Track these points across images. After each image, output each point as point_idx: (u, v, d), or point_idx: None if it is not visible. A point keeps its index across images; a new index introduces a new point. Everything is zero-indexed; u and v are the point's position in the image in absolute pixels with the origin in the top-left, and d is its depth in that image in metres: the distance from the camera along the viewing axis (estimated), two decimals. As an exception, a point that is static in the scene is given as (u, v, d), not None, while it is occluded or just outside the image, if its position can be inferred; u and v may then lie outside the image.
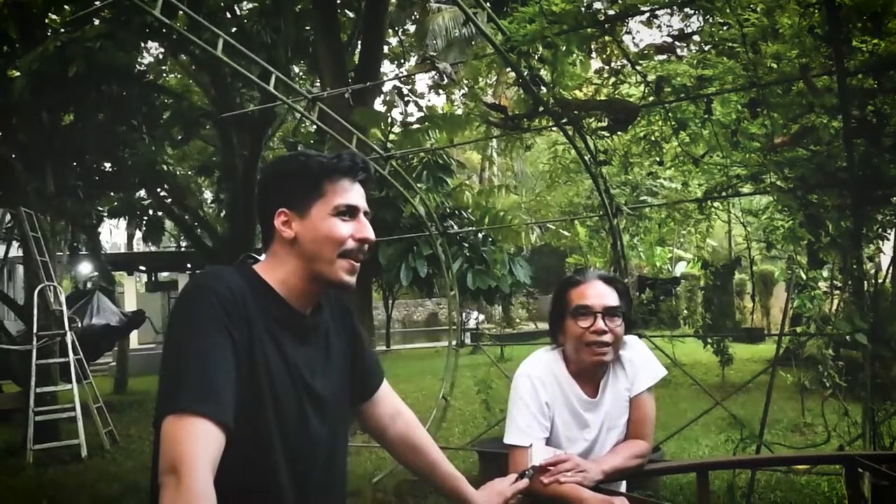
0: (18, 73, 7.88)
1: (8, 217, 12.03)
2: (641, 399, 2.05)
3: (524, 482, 1.78)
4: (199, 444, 1.13)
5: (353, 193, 1.42)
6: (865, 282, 4.65)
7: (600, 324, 1.96)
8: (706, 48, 4.55)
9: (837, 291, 5.23)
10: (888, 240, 6.15)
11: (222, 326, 1.25)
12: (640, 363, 2.07)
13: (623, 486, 2.08)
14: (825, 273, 5.91)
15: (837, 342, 4.89)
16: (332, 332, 1.50)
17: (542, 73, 4.15)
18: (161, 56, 12.20)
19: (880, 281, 5.14)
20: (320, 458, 1.42)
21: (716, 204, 6.90)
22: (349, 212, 1.40)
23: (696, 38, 4.75)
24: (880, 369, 4.49)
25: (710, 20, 4.46)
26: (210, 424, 1.15)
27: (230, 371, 1.23)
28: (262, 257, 1.47)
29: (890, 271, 5.87)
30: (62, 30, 8.08)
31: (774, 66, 4.40)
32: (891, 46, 4.17)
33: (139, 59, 10.86)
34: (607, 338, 1.97)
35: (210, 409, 1.16)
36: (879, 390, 4.33)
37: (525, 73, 3.95)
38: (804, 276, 5.74)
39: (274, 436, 1.32)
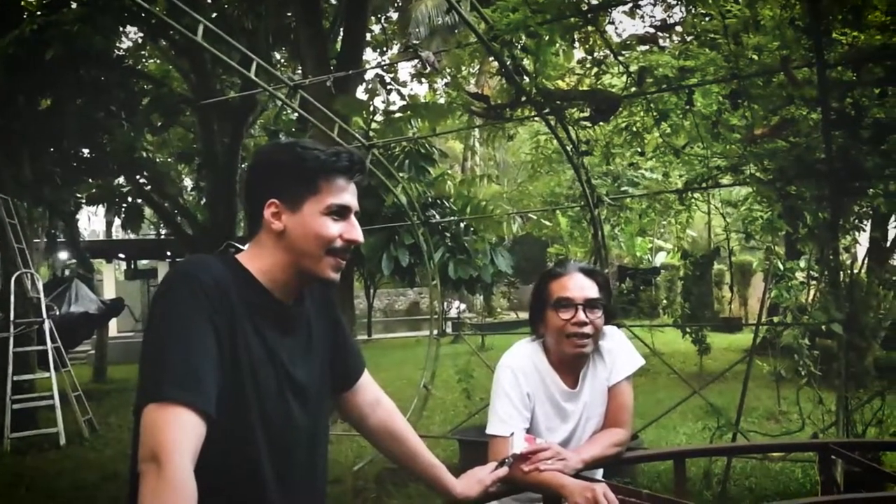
0: (-8, 58, 7.73)
1: None
2: (620, 388, 2.07)
3: (504, 470, 1.80)
4: (180, 432, 1.12)
5: (347, 194, 1.41)
6: (841, 272, 4.72)
7: (581, 315, 1.97)
8: (688, 39, 4.57)
9: (814, 282, 5.31)
10: (864, 231, 6.25)
11: (205, 315, 1.24)
12: (619, 353, 2.09)
13: (599, 474, 2.10)
14: (802, 264, 6.00)
15: (813, 332, 4.97)
16: (313, 321, 1.49)
17: (525, 62, 4.15)
18: (140, 41, 11.99)
19: (856, 272, 5.21)
20: (301, 447, 1.42)
21: (696, 195, 6.96)
22: (340, 211, 1.39)
23: (679, 28, 4.77)
24: (854, 358, 4.56)
25: (693, 11, 4.48)
26: (192, 413, 1.14)
27: (212, 360, 1.22)
28: (246, 247, 1.45)
29: (865, 262, 5.97)
30: (38, 12, 7.91)
31: (755, 57, 4.43)
32: (870, 39, 4.22)
33: (118, 44, 10.66)
34: (588, 329, 1.98)
35: (192, 397, 1.15)
36: (853, 379, 4.41)
37: (508, 63, 3.94)
38: (782, 267, 5.82)
39: (255, 424, 1.32)
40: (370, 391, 1.68)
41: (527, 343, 2.13)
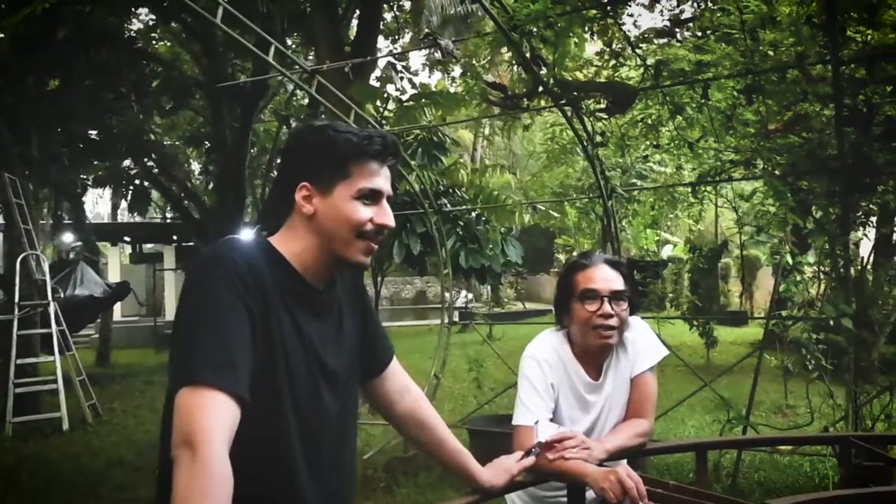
0: (3, 35, 7.64)
1: None
2: (643, 378, 2.09)
3: (530, 459, 1.80)
4: (215, 417, 1.11)
5: (380, 178, 1.39)
6: (851, 267, 4.74)
7: (607, 307, 1.99)
8: (705, 33, 4.58)
9: (823, 276, 5.33)
10: (872, 227, 6.27)
11: (239, 297, 1.23)
12: (642, 344, 2.11)
13: (623, 465, 2.14)
14: (811, 258, 6.02)
15: (821, 326, 5.00)
16: (344, 307, 1.49)
17: (543, 52, 4.16)
18: (152, 23, 11.95)
19: (865, 266, 5.23)
20: (331, 432, 1.42)
21: (707, 188, 6.96)
22: (372, 195, 1.38)
23: (696, 23, 4.77)
24: (863, 353, 4.60)
25: (711, 5, 4.49)
26: (226, 397, 1.13)
27: (246, 343, 1.21)
28: (252, 231, 1.46)
29: (873, 257, 5.98)
30: (50, -9, 7.86)
31: (771, 53, 4.45)
32: (884, 38, 4.23)
33: (129, 26, 10.62)
34: (613, 321, 2.00)
35: (226, 381, 1.14)
36: (862, 373, 4.44)
37: (526, 53, 3.96)
38: (791, 261, 5.84)
39: (287, 408, 1.31)
40: (399, 378, 1.67)
41: (551, 333, 2.15)
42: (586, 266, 2.08)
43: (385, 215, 1.39)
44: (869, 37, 4.26)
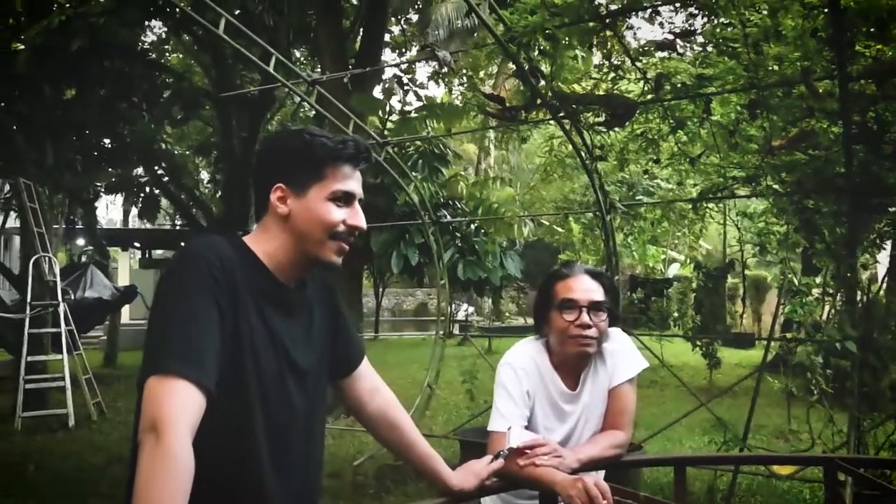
0: (23, 47, 7.86)
1: (7, 187, 12.00)
2: (621, 390, 2.04)
3: (499, 462, 1.79)
4: (179, 405, 1.14)
5: (352, 181, 1.45)
6: (858, 290, 4.63)
7: (585, 318, 1.97)
8: (708, 47, 4.52)
9: (829, 298, 5.22)
10: (884, 249, 6.14)
11: (209, 293, 1.27)
12: (621, 355, 2.07)
13: (601, 477, 2.07)
14: (818, 280, 5.90)
15: (827, 350, 4.88)
16: (315, 307, 1.52)
17: (542, 65, 4.12)
18: (164, 35, 12.16)
19: (874, 290, 5.11)
20: (298, 429, 1.44)
21: (710, 205, 6.88)
22: (345, 198, 1.43)
23: (699, 37, 4.72)
24: (869, 379, 4.47)
25: (713, 19, 4.43)
26: (192, 387, 1.17)
27: (215, 337, 1.25)
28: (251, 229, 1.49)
29: (886, 282, 5.85)
30: (67, 4, 8.03)
31: (776, 67, 4.37)
32: (895, 53, 4.14)
33: (142, 38, 10.82)
34: (591, 332, 1.97)
35: (193, 372, 1.18)
36: (867, 400, 4.32)
37: (525, 65, 3.91)
38: (797, 282, 5.73)
39: (254, 405, 1.34)
40: (369, 379, 1.70)
41: (530, 342, 2.13)
42: (566, 276, 2.07)
43: (357, 217, 1.45)
44: (879, 52, 4.17)
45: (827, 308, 5.29)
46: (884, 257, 6.25)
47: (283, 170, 1.43)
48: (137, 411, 1.20)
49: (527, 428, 1.99)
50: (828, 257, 5.13)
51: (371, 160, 1.51)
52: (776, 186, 5.04)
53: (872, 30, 4.07)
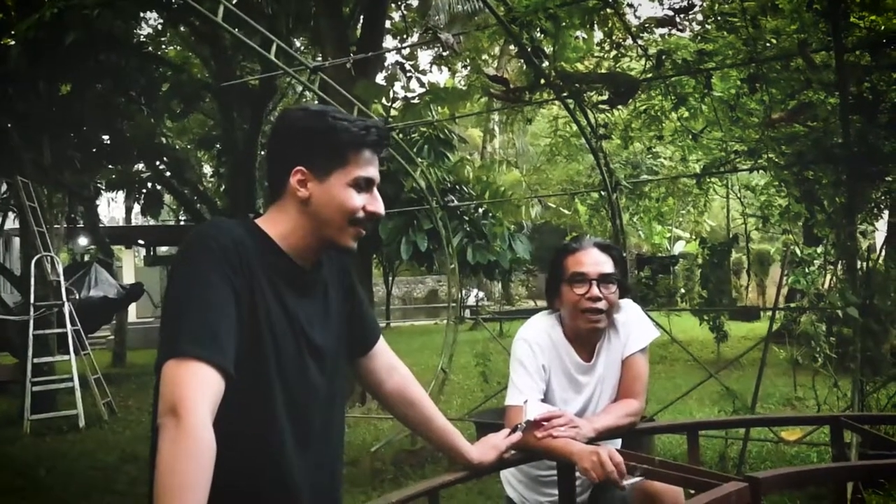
0: (13, 42, 7.70)
1: (4, 187, 11.78)
2: (634, 359, 2.11)
3: (518, 435, 1.83)
4: (198, 386, 1.14)
5: (372, 167, 1.44)
6: (858, 258, 4.69)
7: (595, 291, 2.02)
8: (707, 22, 4.56)
9: (831, 267, 5.29)
10: (882, 218, 6.20)
11: (224, 274, 1.26)
12: (633, 325, 2.12)
13: (618, 447, 2.14)
14: (820, 250, 5.96)
15: (830, 319, 4.95)
16: (330, 287, 1.52)
17: (544, 45, 4.16)
18: (160, 27, 12.07)
19: (873, 258, 5.18)
20: (319, 408, 1.44)
21: (713, 179, 6.93)
22: (365, 184, 1.42)
23: (698, 13, 4.75)
24: (871, 344, 4.55)
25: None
26: (210, 369, 1.17)
27: (231, 318, 1.24)
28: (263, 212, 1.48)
29: (884, 249, 5.92)
30: (59, -4, 7.92)
31: (773, 41, 4.41)
32: (888, 23, 4.19)
33: (138, 30, 10.68)
34: (601, 304, 2.02)
35: (211, 354, 1.18)
36: (869, 364, 4.40)
37: (528, 46, 3.96)
38: (799, 253, 5.79)
39: (275, 384, 1.34)
40: (386, 357, 1.70)
41: (543, 316, 2.18)
42: (576, 249, 2.12)
43: (376, 203, 1.44)
44: (873, 22, 4.21)
45: (829, 277, 5.37)
46: (882, 225, 6.32)
47: (305, 152, 1.40)
48: (156, 396, 1.20)
49: (544, 401, 2.03)
50: (828, 226, 5.20)
51: (390, 145, 1.53)
52: (777, 159, 5.10)
53: (866, 1, 4.12)
